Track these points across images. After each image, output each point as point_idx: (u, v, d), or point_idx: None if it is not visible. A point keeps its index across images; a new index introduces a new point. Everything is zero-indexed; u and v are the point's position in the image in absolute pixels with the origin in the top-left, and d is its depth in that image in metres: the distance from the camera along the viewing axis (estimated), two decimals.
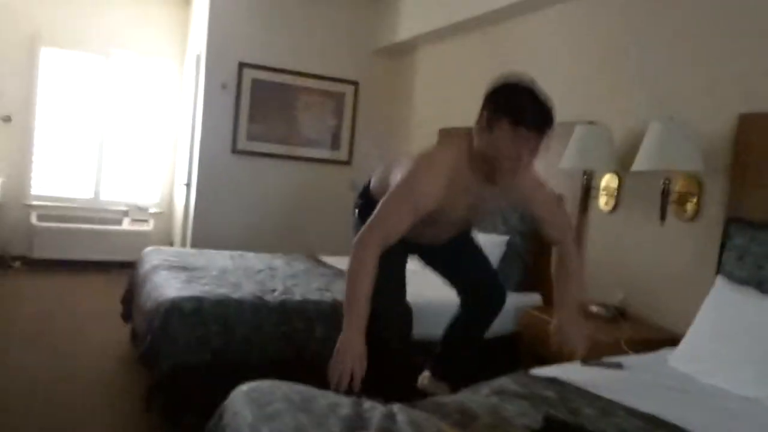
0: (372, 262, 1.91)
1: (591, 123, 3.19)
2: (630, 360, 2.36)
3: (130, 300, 3.68)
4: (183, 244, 5.56)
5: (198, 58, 5.42)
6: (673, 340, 2.69)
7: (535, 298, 3.51)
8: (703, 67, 2.86)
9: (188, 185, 5.51)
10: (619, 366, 2.25)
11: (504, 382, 1.96)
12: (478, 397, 1.84)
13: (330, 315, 2.86)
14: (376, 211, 1.98)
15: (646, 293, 3.05)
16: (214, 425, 1.79)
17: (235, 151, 5.34)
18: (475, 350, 2.66)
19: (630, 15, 3.30)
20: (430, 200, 1.97)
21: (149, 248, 3.86)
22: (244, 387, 1.79)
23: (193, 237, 5.31)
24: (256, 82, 5.36)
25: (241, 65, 5.30)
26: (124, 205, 6.19)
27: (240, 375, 1.92)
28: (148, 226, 6.13)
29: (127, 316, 3.73)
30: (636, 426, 1.65)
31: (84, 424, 2.63)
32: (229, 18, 5.25)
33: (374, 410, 1.65)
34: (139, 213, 6.18)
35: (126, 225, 6.07)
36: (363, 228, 1.97)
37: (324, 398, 1.70)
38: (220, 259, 3.72)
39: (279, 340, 2.69)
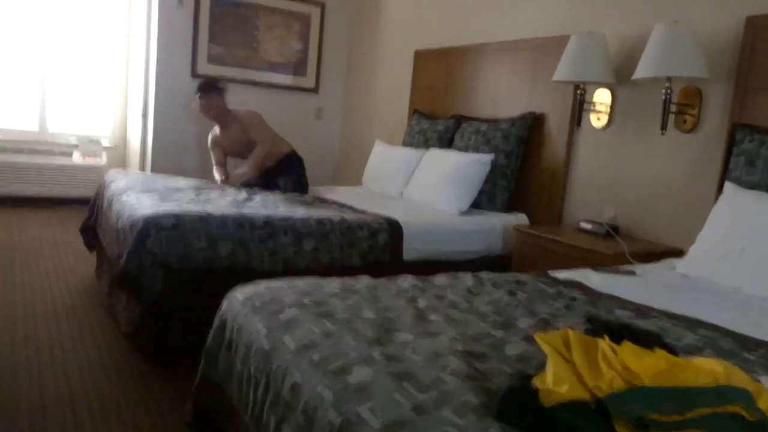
0: None
1: (587, 32, 3.03)
2: (637, 269, 2.29)
3: (91, 228, 3.40)
4: None
5: None
6: (673, 253, 2.65)
7: (521, 218, 3.42)
8: None
9: (145, 116, 5.13)
10: (632, 273, 2.17)
11: (525, 278, 1.86)
12: (505, 294, 1.73)
13: (316, 230, 2.69)
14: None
15: (640, 209, 2.98)
16: (212, 346, 1.61)
17: (195, 74, 4.96)
18: None
19: None
20: None
21: (113, 170, 3.56)
22: (238, 294, 1.62)
23: (153, 170, 4.97)
24: None
25: None
26: (73, 138, 5.74)
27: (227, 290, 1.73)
28: (101, 160, 5.73)
29: (90, 244, 3.46)
30: (675, 325, 1.56)
31: (57, 356, 2.39)
32: None
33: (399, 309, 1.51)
34: (90, 146, 5.75)
35: (76, 159, 5.65)
36: None
37: (334, 299, 1.54)
38: (194, 182, 3.48)
39: (266, 256, 2.51)
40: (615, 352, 0.96)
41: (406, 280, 1.81)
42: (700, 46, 2.57)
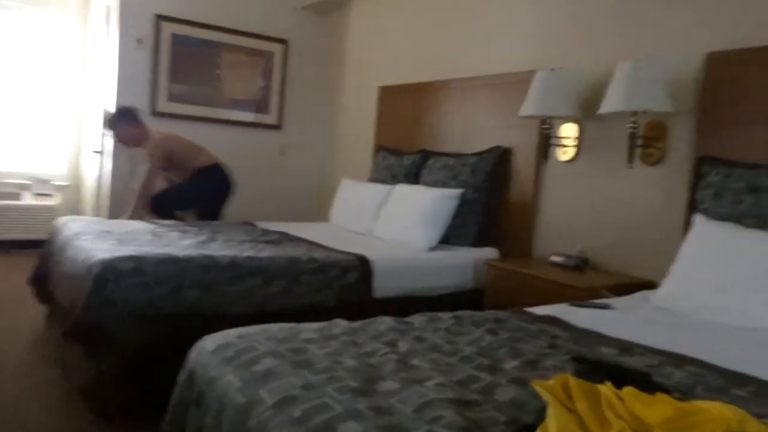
0: None
1: (552, 70, 3.07)
2: (613, 302, 2.26)
3: (43, 278, 3.20)
4: None
5: (108, 9, 4.86)
6: (644, 285, 2.64)
7: (491, 252, 3.39)
8: (669, 8, 2.80)
9: (101, 152, 4.97)
10: (607, 307, 2.15)
11: (503, 316, 1.81)
12: (485, 334, 1.67)
13: (287, 270, 2.59)
14: None
15: (609, 242, 2.99)
16: (179, 402, 1.49)
17: (155, 113, 4.84)
18: None
19: None
20: None
21: (65, 217, 3.39)
22: (208, 345, 1.51)
23: (111, 211, 4.78)
24: (175, 38, 4.88)
25: (158, 18, 4.79)
26: (24, 177, 5.52)
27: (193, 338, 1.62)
28: (54, 201, 5.51)
29: (43, 297, 3.24)
30: (662, 362, 1.52)
31: (9, 421, 2.20)
32: None
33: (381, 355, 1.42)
34: (41, 186, 5.53)
35: (27, 200, 5.42)
36: None
37: (312, 346, 1.45)
38: (150, 225, 3.32)
39: (234, 300, 2.39)
40: (621, 399, 0.90)
41: (384, 323, 1.73)
42: (664, 81, 2.61)
